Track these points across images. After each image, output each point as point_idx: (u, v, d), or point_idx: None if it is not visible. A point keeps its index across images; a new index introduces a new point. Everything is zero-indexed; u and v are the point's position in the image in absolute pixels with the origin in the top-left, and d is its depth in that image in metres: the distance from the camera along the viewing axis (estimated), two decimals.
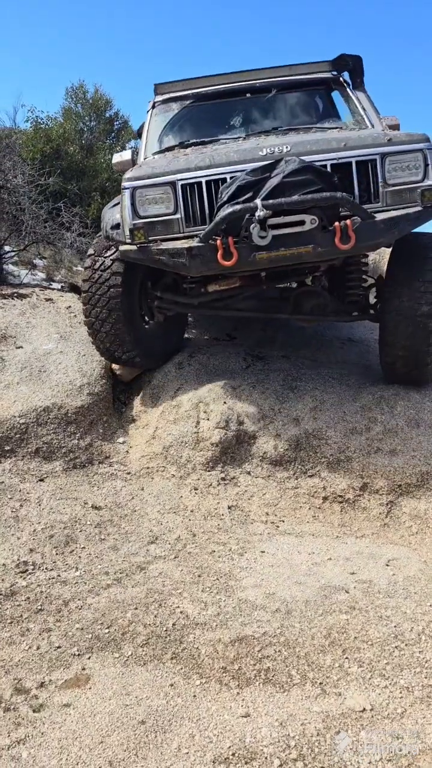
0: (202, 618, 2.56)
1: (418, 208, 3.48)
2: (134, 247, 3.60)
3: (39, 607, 2.60)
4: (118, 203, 3.82)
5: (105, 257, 4.10)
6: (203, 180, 3.52)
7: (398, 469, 3.64)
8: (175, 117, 4.73)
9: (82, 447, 3.89)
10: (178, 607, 2.63)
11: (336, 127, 4.22)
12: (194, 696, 2.16)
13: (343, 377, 4.39)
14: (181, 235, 3.58)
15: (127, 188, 3.57)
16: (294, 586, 2.83)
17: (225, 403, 3.89)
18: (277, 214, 3.27)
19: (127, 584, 2.79)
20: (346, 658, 2.36)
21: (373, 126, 4.17)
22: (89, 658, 2.33)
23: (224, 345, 4.95)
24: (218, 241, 3.28)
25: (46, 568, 2.89)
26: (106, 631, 2.47)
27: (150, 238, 3.57)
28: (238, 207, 3.24)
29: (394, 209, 3.50)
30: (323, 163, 3.43)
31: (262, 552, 3.13)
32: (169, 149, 4.35)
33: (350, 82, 4.58)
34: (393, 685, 2.22)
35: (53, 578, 2.82)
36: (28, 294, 5.78)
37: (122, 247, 3.70)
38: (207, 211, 3.53)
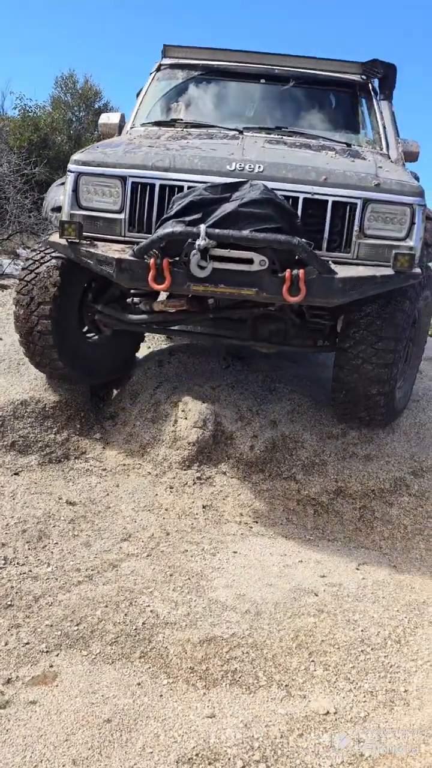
0: (172, 617, 2.57)
1: (389, 272, 2.98)
2: (64, 241, 3.13)
3: (9, 603, 2.59)
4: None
5: (44, 254, 3.55)
6: (157, 183, 3.07)
7: (372, 475, 3.69)
8: (177, 86, 4.29)
9: (58, 442, 3.87)
10: (149, 605, 2.63)
11: (343, 143, 3.85)
12: (161, 695, 2.17)
13: (321, 380, 4.43)
14: (122, 238, 3.15)
15: (72, 172, 3.15)
16: (265, 587, 2.86)
17: (203, 402, 3.89)
18: (223, 246, 2.84)
19: (98, 581, 2.79)
20: (313, 661, 2.40)
21: (389, 148, 3.86)
22: (57, 655, 2.32)
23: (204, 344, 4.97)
24: (152, 261, 2.84)
25: (17, 563, 2.87)
26: (75, 628, 2.47)
27: (86, 234, 3.12)
28: (179, 229, 2.81)
29: (363, 264, 3.06)
30: (296, 195, 3.02)
31: (235, 552, 3.15)
32: (160, 123, 4.02)
33: (378, 92, 4.20)
34: (357, 689, 2.26)
35: (24, 573, 2.80)
36: (10, 285, 5.74)
37: (51, 237, 3.26)
38: (155, 217, 3.08)
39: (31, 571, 2.84)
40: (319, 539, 3.43)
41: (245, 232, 2.77)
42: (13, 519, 3.17)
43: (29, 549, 3.01)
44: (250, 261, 2.82)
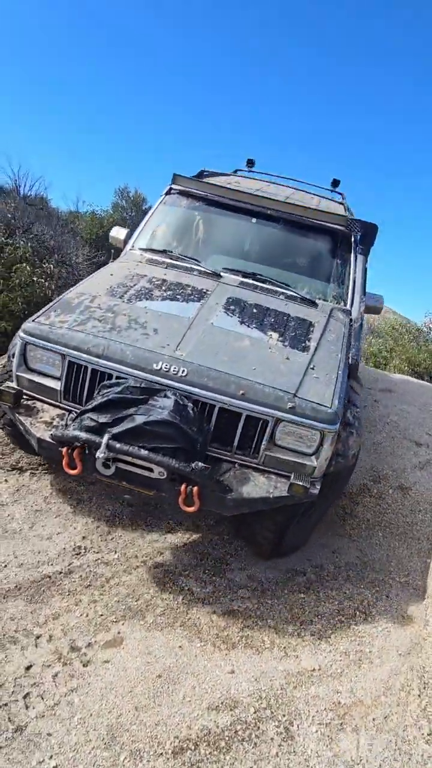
0: (202, 594, 2.60)
1: (282, 494, 2.29)
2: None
3: (88, 583, 2.63)
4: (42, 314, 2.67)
5: None
6: (90, 367, 2.43)
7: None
8: (178, 213, 3.70)
9: None
10: (186, 585, 2.66)
11: (308, 301, 3.09)
12: (195, 656, 2.19)
13: None
14: (59, 404, 2.55)
15: (21, 339, 2.55)
16: (268, 570, 2.86)
17: None
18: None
19: (150, 566, 2.82)
20: (303, 628, 2.40)
21: (353, 304, 3.19)
22: (123, 624, 2.36)
23: None
24: (64, 450, 2.27)
25: (93, 551, 2.91)
26: (135, 603, 2.50)
27: (31, 394, 2.58)
28: (83, 436, 2.21)
29: (268, 472, 2.38)
30: (212, 403, 2.34)
31: None
32: (153, 251, 3.41)
33: (357, 246, 3.49)
34: (335, 651, 2.27)
35: (98, 560, 2.85)
36: None
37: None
38: (86, 394, 2.47)
39: (102, 557, 2.88)
40: None
41: (143, 452, 2.19)
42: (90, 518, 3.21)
43: (101, 540, 3.04)
44: (150, 469, 2.27)
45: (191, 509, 2.25)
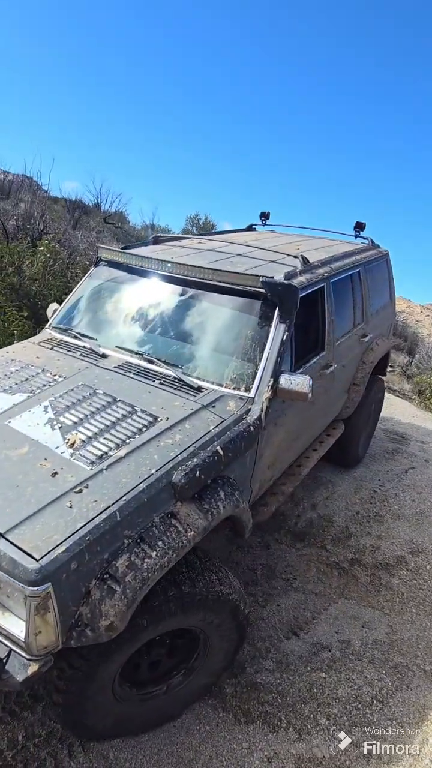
0: None
1: None
2: None
3: None
4: None
5: None
6: None
7: (380, 550, 3.77)
8: (99, 286, 3.25)
9: None
10: None
11: (193, 390, 2.49)
12: (217, 725, 2.44)
13: (350, 471, 4.52)
14: None
15: None
16: (293, 639, 3.04)
17: None
18: None
19: None
20: (319, 711, 2.57)
21: (259, 386, 2.49)
22: None
23: None
24: None
25: None
26: None
27: None
28: None
29: None
30: None
31: (278, 605, 3.36)
32: (59, 329, 3.12)
33: (276, 313, 2.64)
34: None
35: None
36: None
37: None
38: None
39: None
40: (339, 597, 3.53)
41: None
42: None
43: None
44: None
45: None
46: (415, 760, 2.37)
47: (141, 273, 3.12)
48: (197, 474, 2.05)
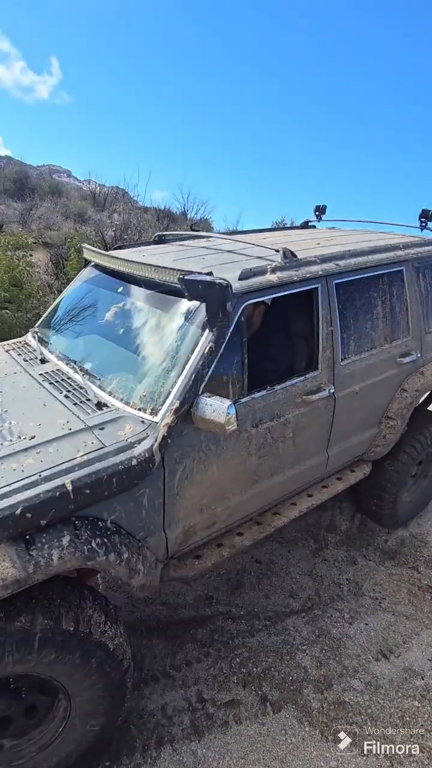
0: (316, 675, 2.79)
1: None
2: None
3: (215, 637, 3.02)
4: None
5: None
6: None
7: None
8: (76, 289, 3.10)
9: None
10: (301, 662, 2.87)
11: (75, 413, 2.11)
12: (303, 739, 2.42)
13: None
14: None
15: None
16: (384, 663, 2.93)
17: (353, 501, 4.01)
18: None
19: (271, 632, 3.09)
20: (412, 741, 2.45)
21: (166, 411, 2.03)
22: (242, 688, 2.68)
23: None
24: None
25: (222, 604, 3.29)
26: (254, 669, 2.80)
27: None
28: None
29: None
30: None
31: (366, 624, 3.25)
32: (32, 332, 3.07)
33: (204, 317, 2.12)
34: None
35: (224, 614, 3.22)
36: None
37: None
38: None
39: (230, 612, 3.24)
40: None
41: None
42: (221, 570, 3.62)
43: (230, 594, 3.41)
44: None
45: None
46: None
47: (101, 274, 2.90)
48: (19, 511, 1.62)
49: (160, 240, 3.43)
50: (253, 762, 2.30)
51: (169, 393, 2.05)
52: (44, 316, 3.19)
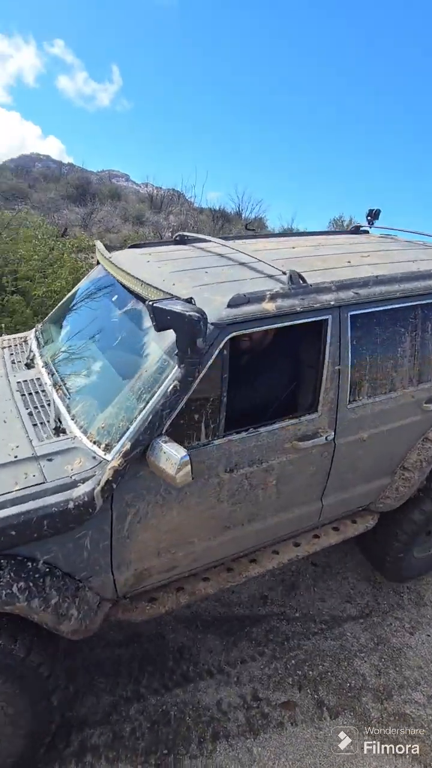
0: (375, 684, 2.71)
1: None
2: None
3: (270, 637, 2.99)
4: None
5: None
6: None
7: None
8: (82, 288, 2.95)
9: None
10: (359, 669, 2.79)
11: (33, 436, 1.97)
12: (362, 748, 2.36)
13: None
14: None
15: None
16: None
17: None
18: None
19: (328, 636, 3.03)
20: None
21: (118, 450, 1.81)
22: (297, 689, 2.64)
23: None
24: None
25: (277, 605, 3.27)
26: (310, 672, 2.76)
27: None
28: None
29: None
30: None
31: (428, 635, 3.11)
32: (38, 329, 2.96)
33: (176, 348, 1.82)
34: None
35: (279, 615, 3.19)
36: None
37: None
38: None
39: (285, 613, 3.20)
40: None
41: None
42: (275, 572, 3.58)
43: (285, 595, 3.38)
44: None
45: None
46: None
47: (107, 275, 2.66)
48: None
49: (181, 240, 3.18)
50: (308, 766, 2.26)
51: (127, 429, 1.81)
52: (52, 312, 3.06)
